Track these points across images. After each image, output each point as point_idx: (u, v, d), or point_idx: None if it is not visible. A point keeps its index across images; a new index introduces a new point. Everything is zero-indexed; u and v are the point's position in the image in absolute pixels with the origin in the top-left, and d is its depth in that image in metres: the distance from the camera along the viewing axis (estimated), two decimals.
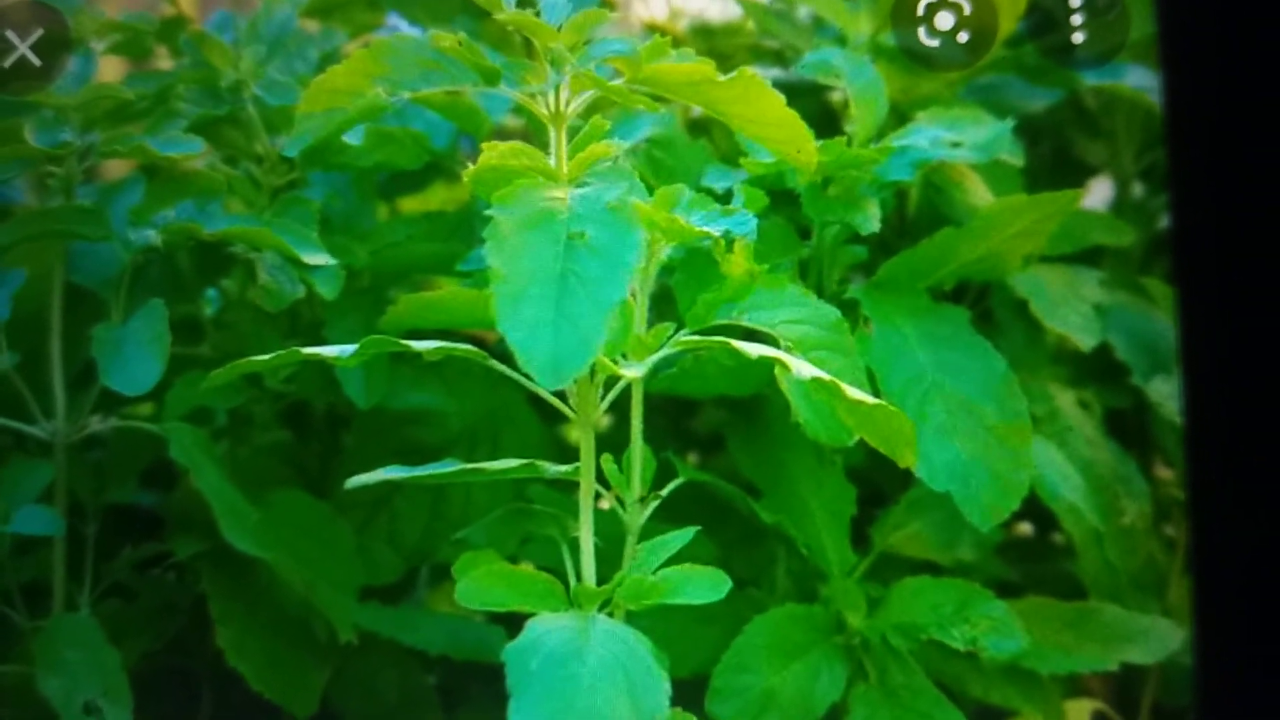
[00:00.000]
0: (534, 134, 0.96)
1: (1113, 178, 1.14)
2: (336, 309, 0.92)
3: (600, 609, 0.75)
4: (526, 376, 0.68)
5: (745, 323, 0.79)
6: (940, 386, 0.87)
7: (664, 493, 0.80)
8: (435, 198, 1.10)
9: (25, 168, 0.90)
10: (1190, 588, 0.74)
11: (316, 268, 0.89)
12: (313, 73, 0.95)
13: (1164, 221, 1.12)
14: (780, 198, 0.89)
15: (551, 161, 0.77)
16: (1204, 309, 0.73)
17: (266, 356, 0.79)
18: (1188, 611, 0.89)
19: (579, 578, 0.77)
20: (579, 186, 0.75)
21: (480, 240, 0.71)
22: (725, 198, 0.86)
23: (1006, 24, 0.94)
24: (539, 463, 0.79)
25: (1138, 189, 1.14)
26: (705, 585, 0.75)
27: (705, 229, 0.77)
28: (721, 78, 0.78)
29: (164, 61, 1.02)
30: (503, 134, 0.95)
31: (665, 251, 0.79)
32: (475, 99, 0.95)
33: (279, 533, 0.89)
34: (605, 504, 0.79)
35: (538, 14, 0.78)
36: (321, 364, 0.81)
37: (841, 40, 1.00)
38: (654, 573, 0.76)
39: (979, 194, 0.96)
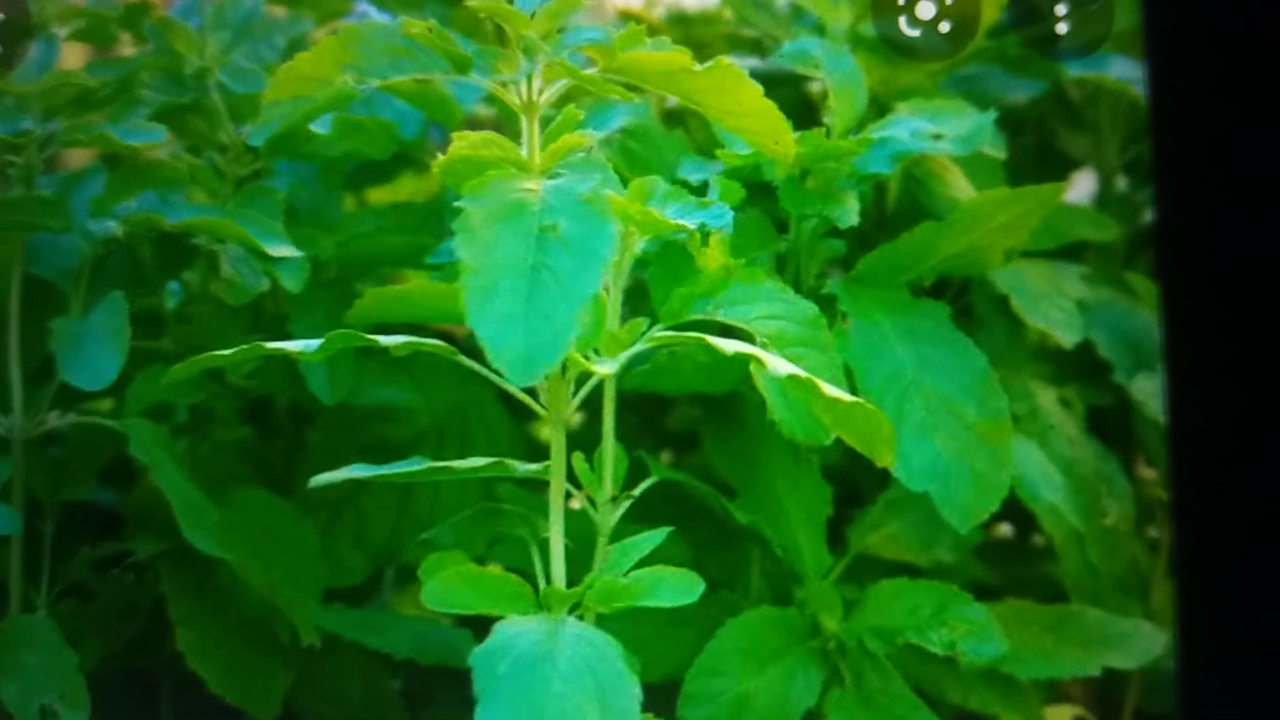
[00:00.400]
0: (506, 124, 0.95)
1: (1096, 171, 1.14)
2: (301, 302, 0.91)
3: (570, 612, 0.74)
4: (496, 372, 0.67)
5: (721, 318, 0.79)
6: (919, 384, 0.86)
7: (636, 492, 0.79)
8: (404, 188, 1.09)
9: None
10: (1173, 591, 0.73)
11: (281, 260, 0.88)
12: (279, 60, 0.94)
13: (1148, 216, 1.12)
14: (757, 190, 0.88)
15: (523, 152, 0.76)
16: (1188, 305, 0.72)
17: (229, 351, 0.78)
18: (1171, 615, 0.89)
19: (548, 580, 0.76)
20: (551, 178, 0.74)
21: (450, 232, 0.70)
22: (701, 190, 0.85)
23: (989, 14, 0.94)
24: (509, 461, 0.78)
25: (1121, 183, 1.14)
26: (678, 587, 0.75)
27: (680, 222, 0.77)
28: (698, 67, 0.77)
29: (127, 48, 1.01)
30: (474, 124, 0.95)
31: (639, 245, 0.78)
32: (446, 88, 0.94)
33: (241, 532, 0.88)
34: (576, 504, 0.78)
35: (510, 1, 0.77)
36: (285, 359, 0.80)
37: (820, 30, 1.00)
38: (625, 574, 0.75)
39: (960, 187, 0.96)
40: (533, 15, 0.76)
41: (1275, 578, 0.70)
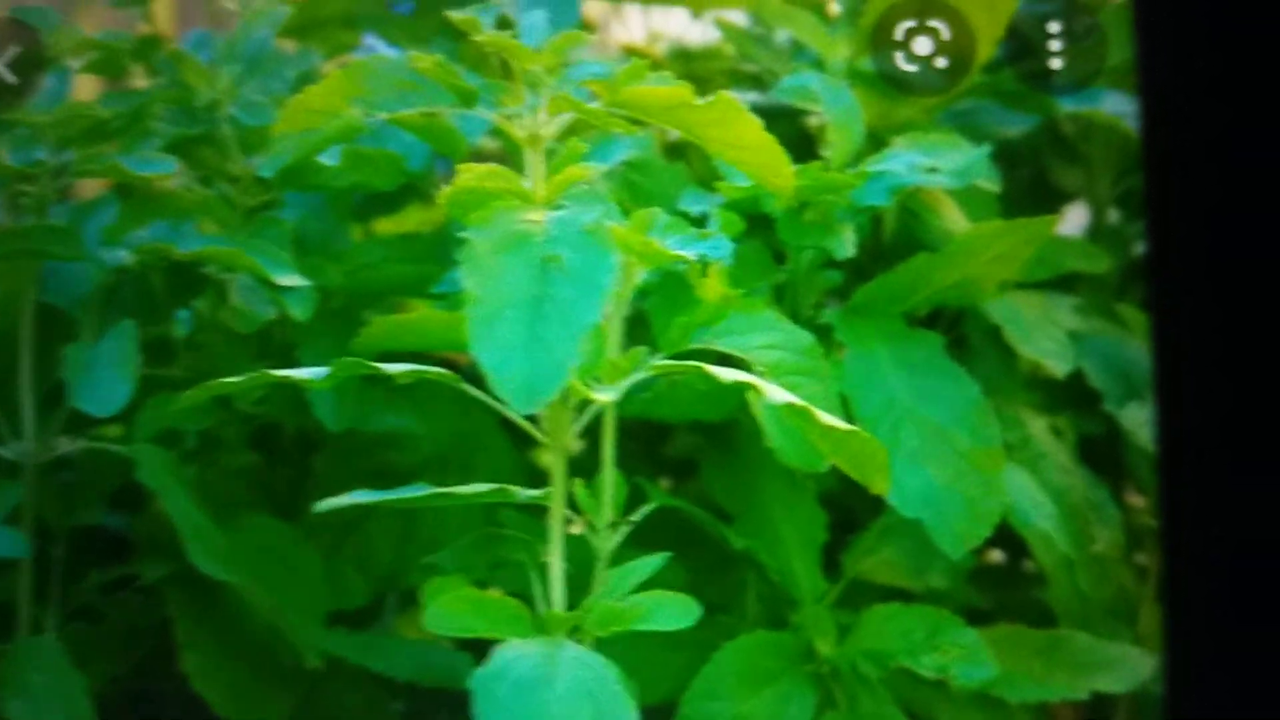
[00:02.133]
0: (510, 156, 0.96)
1: (1089, 204, 1.14)
2: (309, 331, 0.91)
3: (569, 635, 0.75)
4: (499, 400, 0.68)
5: (719, 347, 0.79)
6: (913, 412, 0.86)
7: (635, 518, 0.80)
8: (410, 219, 1.09)
9: None
10: (1161, 616, 0.74)
11: (289, 289, 0.88)
12: (289, 93, 0.94)
13: (1139, 248, 1.12)
14: (756, 222, 0.89)
15: (528, 184, 0.77)
16: (1178, 336, 0.73)
17: (237, 378, 0.78)
18: (1159, 640, 0.89)
19: (548, 603, 0.76)
20: (555, 209, 0.75)
21: (455, 262, 0.71)
22: (701, 221, 0.85)
23: (984, 49, 0.94)
24: (510, 487, 0.78)
25: (1113, 215, 1.14)
26: (675, 611, 0.75)
27: (681, 253, 0.77)
28: (699, 101, 0.78)
29: (140, 80, 1.01)
30: (479, 156, 0.95)
31: (640, 275, 0.79)
32: (452, 120, 0.94)
33: (246, 556, 0.88)
34: (576, 529, 0.79)
35: (516, 36, 0.78)
36: (293, 386, 0.81)
37: (819, 65, 1.00)
38: (624, 598, 0.76)
39: (955, 219, 0.96)
40: (538, 50, 0.78)
41: (1261, 604, 0.71)
